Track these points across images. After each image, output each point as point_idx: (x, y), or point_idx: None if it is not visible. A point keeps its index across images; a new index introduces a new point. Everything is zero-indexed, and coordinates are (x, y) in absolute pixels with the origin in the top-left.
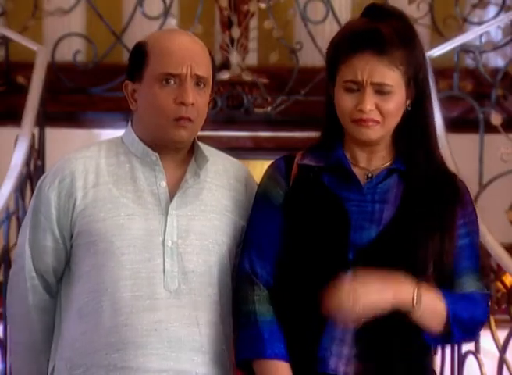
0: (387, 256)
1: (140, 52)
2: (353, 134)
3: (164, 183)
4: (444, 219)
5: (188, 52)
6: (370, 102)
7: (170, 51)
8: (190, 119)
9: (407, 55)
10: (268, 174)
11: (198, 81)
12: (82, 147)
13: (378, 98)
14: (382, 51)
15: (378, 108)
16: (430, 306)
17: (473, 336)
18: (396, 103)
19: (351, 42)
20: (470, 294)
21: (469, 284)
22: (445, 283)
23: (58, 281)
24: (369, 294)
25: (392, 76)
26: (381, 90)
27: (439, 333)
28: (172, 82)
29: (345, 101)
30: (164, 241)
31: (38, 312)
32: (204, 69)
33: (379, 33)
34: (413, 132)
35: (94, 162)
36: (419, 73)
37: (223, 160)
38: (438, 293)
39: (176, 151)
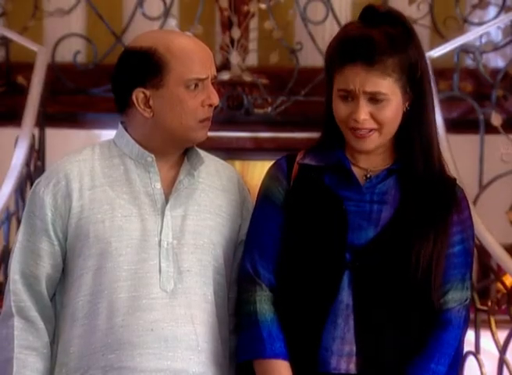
0: (384, 258)
1: (152, 58)
2: (351, 143)
3: (158, 185)
4: (438, 226)
5: (207, 55)
6: (364, 112)
7: (192, 56)
8: (209, 119)
9: (399, 61)
10: (270, 173)
11: (212, 81)
12: (74, 151)
13: (373, 107)
14: (372, 62)
15: (373, 117)
16: None
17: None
18: (392, 110)
19: (343, 52)
20: (443, 338)
21: (452, 297)
22: (429, 293)
23: (48, 291)
24: None
25: (384, 84)
26: (375, 98)
27: None
28: (199, 85)
29: (340, 110)
30: (160, 241)
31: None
32: (215, 69)
33: (370, 42)
34: (411, 133)
35: (89, 164)
36: (415, 74)
37: (214, 162)
38: None
39: (173, 153)
